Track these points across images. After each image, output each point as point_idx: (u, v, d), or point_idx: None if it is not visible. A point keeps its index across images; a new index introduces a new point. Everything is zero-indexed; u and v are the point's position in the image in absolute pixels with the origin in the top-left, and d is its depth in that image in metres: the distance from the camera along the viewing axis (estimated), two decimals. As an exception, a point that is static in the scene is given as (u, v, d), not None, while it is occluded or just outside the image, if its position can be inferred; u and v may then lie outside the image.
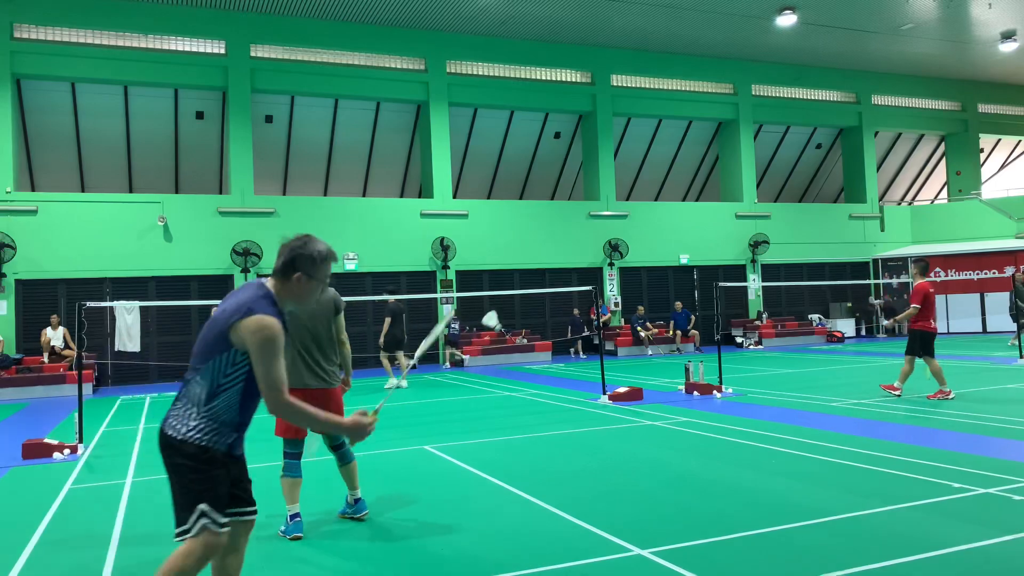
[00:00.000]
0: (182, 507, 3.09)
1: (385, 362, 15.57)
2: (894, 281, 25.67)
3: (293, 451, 5.44)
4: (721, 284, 14.39)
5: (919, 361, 10.83)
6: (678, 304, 22.77)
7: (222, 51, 19.60)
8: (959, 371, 14.07)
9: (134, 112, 19.85)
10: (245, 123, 19.59)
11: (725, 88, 25.17)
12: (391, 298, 15.42)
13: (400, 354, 15.52)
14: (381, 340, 15.40)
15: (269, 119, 21.15)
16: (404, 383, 15.16)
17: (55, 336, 17.20)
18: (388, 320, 15.31)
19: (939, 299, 25.49)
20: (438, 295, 18.90)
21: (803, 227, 26.04)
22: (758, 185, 26.96)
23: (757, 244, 24.87)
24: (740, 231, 25.03)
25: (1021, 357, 15.36)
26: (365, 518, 5.67)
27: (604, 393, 11.89)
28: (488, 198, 24.67)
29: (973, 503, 5.42)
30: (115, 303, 12.15)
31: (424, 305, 21.08)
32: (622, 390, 11.85)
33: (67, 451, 8.85)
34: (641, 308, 22.67)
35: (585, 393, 12.80)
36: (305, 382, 5.41)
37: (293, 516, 5.27)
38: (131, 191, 20.86)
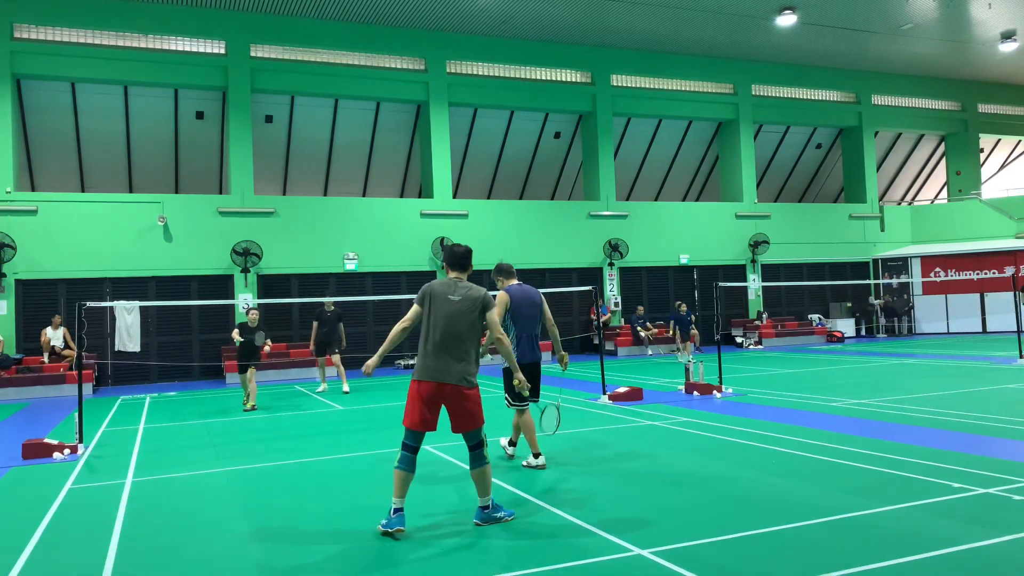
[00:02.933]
0: None
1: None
2: (894, 281, 25.68)
3: (412, 444, 5.27)
4: (721, 284, 14.39)
5: None
6: (678, 304, 22.74)
7: (222, 51, 19.60)
8: (959, 371, 14.07)
9: (134, 112, 19.85)
10: (245, 123, 19.59)
11: (725, 88, 25.17)
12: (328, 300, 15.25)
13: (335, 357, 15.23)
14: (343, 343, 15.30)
15: (269, 119, 21.15)
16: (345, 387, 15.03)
17: (55, 336, 17.19)
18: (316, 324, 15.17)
19: (939, 299, 25.51)
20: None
21: (803, 227, 26.04)
22: (758, 185, 26.96)
23: (757, 244, 24.87)
24: (740, 231, 25.03)
25: (1021, 357, 15.36)
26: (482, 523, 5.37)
27: (604, 393, 11.89)
28: (488, 198, 24.66)
29: (973, 503, 5.42)
30: (115, 303, 12.15)
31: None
32: (622, 390, 11.86)
33: (67, 451, 8.85)
34: (641, 308, 22.68)
35: (585, 393, 12.80)
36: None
37: (397, 510, 5.14)
38: (131, 191, 20.85)
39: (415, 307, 5.44)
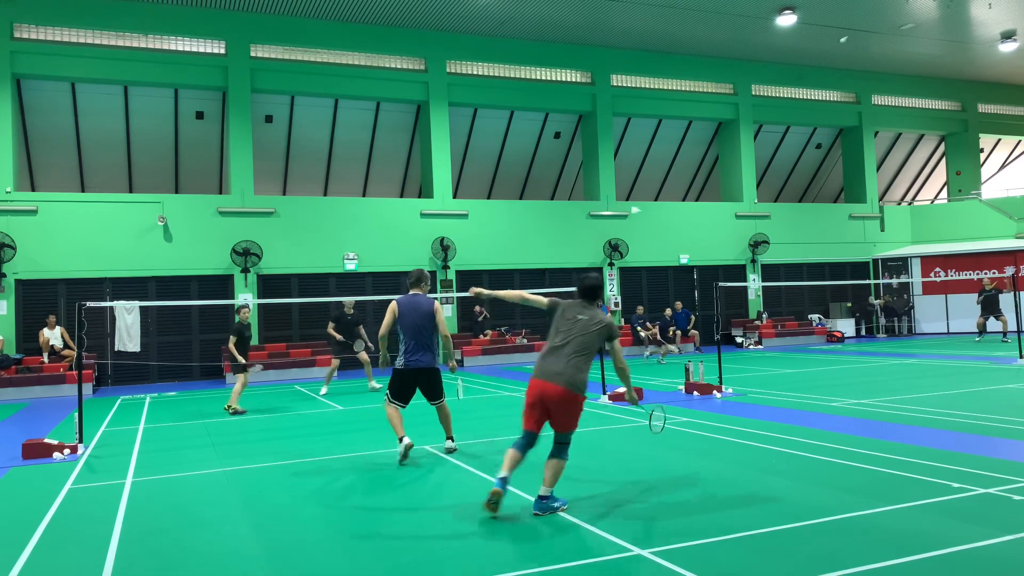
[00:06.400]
0: None
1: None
2: (894, 281, 25.68)
3: (525, 442, 5.80)
4: (721, 284, 14.38)
5: None
6: (678, 304, 22.75)
7: (222, 51, 19.60)
8: (959, 371, 14.07)
9: (134, 112, 19.85)
10: (245, 123, 19.59)
11: (725, 88, 25.17)
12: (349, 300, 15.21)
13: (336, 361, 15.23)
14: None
15: (269, 119, 21.15)
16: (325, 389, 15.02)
17: (53, 336, 17.19)
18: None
19: (939, 299, 25.51)
20: (438, 295, 18.88)
21: (803, 227, 26.04)
22: (758, 185, 26.96)
23: (757, 244, 24.87)
24: (740, 231, 25.03)
25: (1021, 357, 15.35)
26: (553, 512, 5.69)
27: (604, 393, 11.89)
28: (488, 198, 24.66)
29: (973, 503, 5.42)
30: (115, 303, 12.15)
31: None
32: (622, 390, 11.85)
33: (67, 451, 8.85)
34: (641, 308, 22.66)
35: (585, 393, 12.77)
36: None
37: (502, 478, 5.59)
38: (131, 191, 20.85)
39: (547, 301, 6.10)
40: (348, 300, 15.06)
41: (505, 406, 11.79)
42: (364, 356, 14.91)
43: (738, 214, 24.96)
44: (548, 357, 5.76)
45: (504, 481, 5.55)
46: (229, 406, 12.23)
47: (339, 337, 14.84)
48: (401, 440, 7.68)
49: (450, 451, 8.03)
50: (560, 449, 5.72)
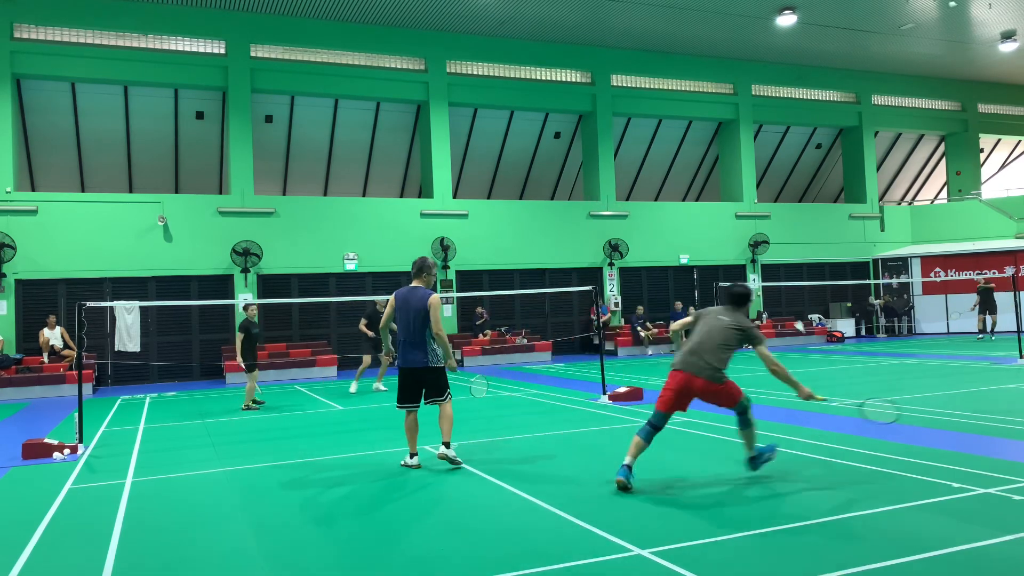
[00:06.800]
0: None
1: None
2: (894, 281, 25.68)
3: (657, 424, 6.42)
4: (721, 284, 14.39)
5: None
6: (678, 304, 22.76)
7: (222, 51, 19.60)
8: (959, 371, 14.07)
9: (134, 112, 19.85)
10: (245, 123, 19.59)
11: (725, 88, 25.17)
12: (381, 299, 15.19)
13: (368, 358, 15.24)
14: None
15: (269, 119, 21.15)
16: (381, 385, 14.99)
17: (53, 336, 17.19)
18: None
19: (939, 299, 25.52)
20: (438, 295, 18.87)
21: (803, 227, 26.04)
22: (758, 185, 26.96)
23: (757, 244, 24.88)
24: (740, 231, 25.03)
25: (1021, 357, 15.36)
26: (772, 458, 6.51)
27: (604, 393, 11.89)
28: (488, 198, 24.66)
29: (973, 503, 5.42)
30: (115, 303, 12.16)
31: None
32: (622, 390, 11.85)
33: (67, 451, 8.85)
34: (641, 308, 22.68)
35: (585, 393, 12.80)
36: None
37: (626, 466, 6.21)
38: (131, 191, 20.85)
39: (692, 317, 6.82)
40: (380, 299, 15.07)
41: (505, 406, 11.79)
42: (386, 358, 14.88)
43: (738, 214, 24.96)
44: (691, 354, 6.39)
45: (628, 468, 6.16)
46: (247, 406, 12.56)
47: (371, 334, 14.87)
48: (412, 456, 7.35)
49: (444, 458, 7.33)
50: (742, 421, 6.46)
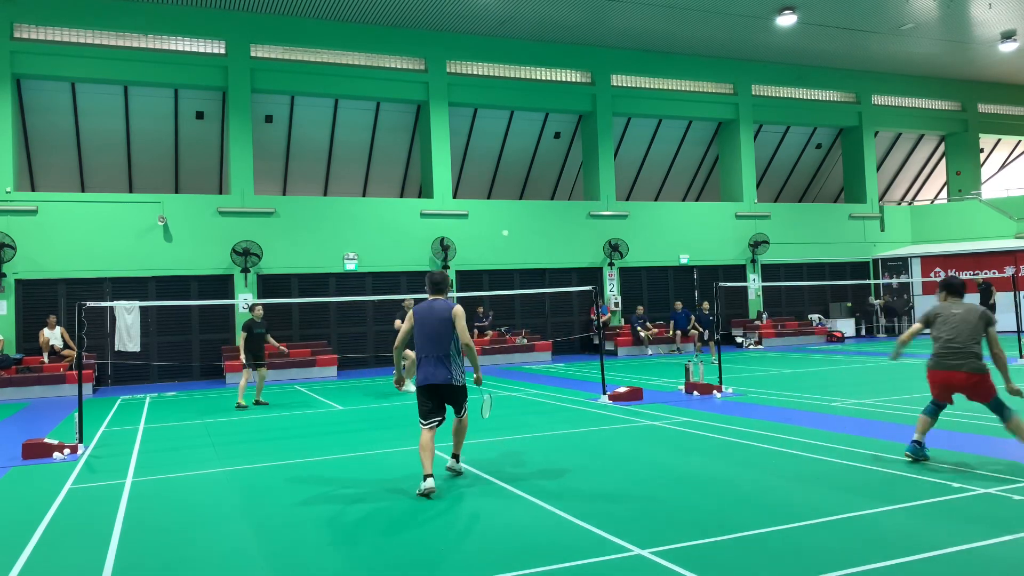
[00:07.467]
0: None
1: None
2: (894, 281, 25.68)
3: (938, 406, 6.93)
4: (721, 284, 14.38)
5: None
6: (678, 304, 22.76)
7: (222, 51, 19.60)
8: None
9: (134, 112, 19.85)
10: (245, 123, 19.59)
11: (725, 88, 25.17)
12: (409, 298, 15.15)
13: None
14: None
15: (269, 119, 21.15)
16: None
17: (53, 336, 17.19)
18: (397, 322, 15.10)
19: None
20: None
21: (803, 227, 26.04)
22: (758, 185, 26.96)
23: (757, 244, 24.87)
24: (740, 231, 25.03)
25: (1021, 357, 15.36)
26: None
27: (604, 393, 11.89)
28: (488, 198, 24.66)
29: (973, 503, 5.42)
30: (115, 303, 12.15)
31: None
32: (622, 390, 11.86)
33: (67, 451, 8.85)
34: (641, 308, 22.67)
35: (585, 393, 12.80)
36: None
37: (916, 441, 6.78)
38: (131, 191, 20.85)
39: (922, 322, 7.09)
40: (409, 299, 15.01)
41: (505, 406, 11.79)
42: (397, 386, 14.60)
43: (738, 214, 24.96)
44: (943, 353, 6.68)
45: (918, 444, 6.73)
46: (256, 402, 13.07)
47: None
48: (425, 478, 6.38)
49: (451, 470, 7.17)
50: (1000, 413, 6.61)
